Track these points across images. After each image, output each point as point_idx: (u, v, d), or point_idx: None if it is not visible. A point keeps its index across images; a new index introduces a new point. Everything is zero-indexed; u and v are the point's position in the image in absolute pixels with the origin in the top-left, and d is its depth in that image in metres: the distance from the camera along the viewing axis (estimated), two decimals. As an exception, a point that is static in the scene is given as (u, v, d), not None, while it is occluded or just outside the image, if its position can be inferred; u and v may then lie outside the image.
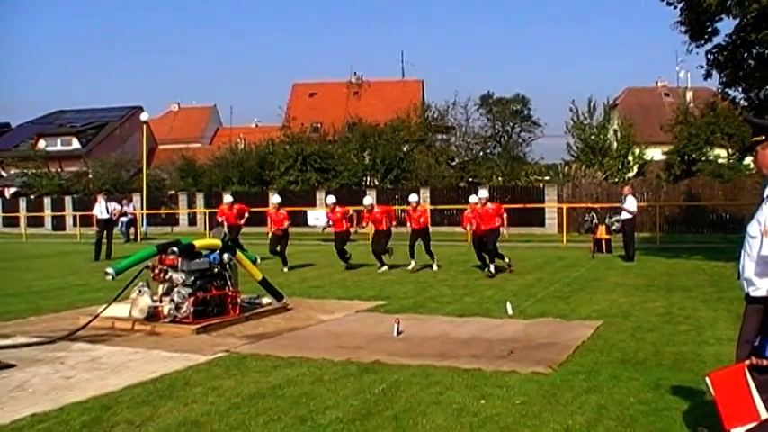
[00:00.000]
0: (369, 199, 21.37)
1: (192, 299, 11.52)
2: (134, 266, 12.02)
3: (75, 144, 65.92)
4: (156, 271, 12.14)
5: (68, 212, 50.26)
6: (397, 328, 10.65)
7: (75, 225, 45.94)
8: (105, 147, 63.42)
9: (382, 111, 53.84)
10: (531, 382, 7.70)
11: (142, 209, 41.26)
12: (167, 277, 11.92)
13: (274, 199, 22.58)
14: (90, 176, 56.62)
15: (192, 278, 11.74)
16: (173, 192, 50.84)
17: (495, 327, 11.16)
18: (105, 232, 26.49)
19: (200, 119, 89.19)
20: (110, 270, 11.74)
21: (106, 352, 9.99)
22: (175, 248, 11.94)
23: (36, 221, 51.48)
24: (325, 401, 7.20)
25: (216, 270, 12.18)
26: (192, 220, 46.99)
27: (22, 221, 49.93)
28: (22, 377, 8.60)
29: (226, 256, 12.38)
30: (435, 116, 51.88)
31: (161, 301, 11.85)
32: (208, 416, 6.84)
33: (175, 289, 11.72)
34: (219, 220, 23.20)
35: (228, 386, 7.90)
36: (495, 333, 10.63)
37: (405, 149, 48.05)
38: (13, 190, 61.56)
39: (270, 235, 22.19)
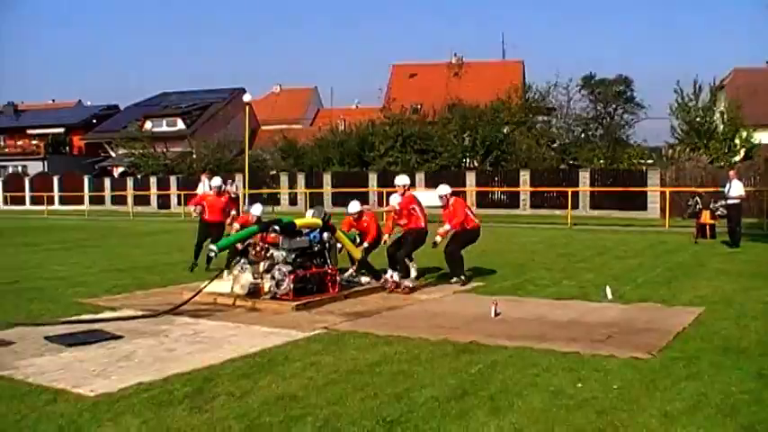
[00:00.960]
0: (356, 205, 14.87)
1: (292, 276, 11.70)
2: (236, 244, 12.27)
3: (180, 125, 67.31)
4: (258, 249, 12.38)
5: (173, 191, 51.48)
6: (495, 310, 10.64)
7: (179, 204, 47.09)
8: (209, 127, 64.64)
9: (482, 92, 53.39)
10: (629, 367, 7.61)
11: (244, 188, 41.88)
12: (268, 255, 12.15)
13: (394, 198, 14.53)
14: (194, 156, 57.79)
15: (293, 256, 11.93)
16: (274, 172, 51.55)
17: (593, 311, 11.05)
18: None
19: (301, 100, 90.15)
20: (213, 247, 12.01)
21: (208, 326, 10.27)
22: (276, 227, 12.15)
23: (142, 200, 52.91)
24: (422, 380, 7.26)
25: (316, 248, 12.35)
26: (293, 200, 47.67)
27: (130, 200, 51.43)
28: (129, 348, 8.92)
29: (326, 234, 12.54)
30: (536, 97, 51.26)
31: (262, 278, 12.08)
32: (306, 390, 6.97)
33: (276, 266, 11.92)
34: (195, 209, 17.49)
35: (327, 362, 8.03)
36: (594, 317, 10.52)
37: (505, 131, 47.63)
38: (121, 169, 63.36)
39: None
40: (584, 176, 39.84)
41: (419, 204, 14.23)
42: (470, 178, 42.39)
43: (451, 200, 14.84)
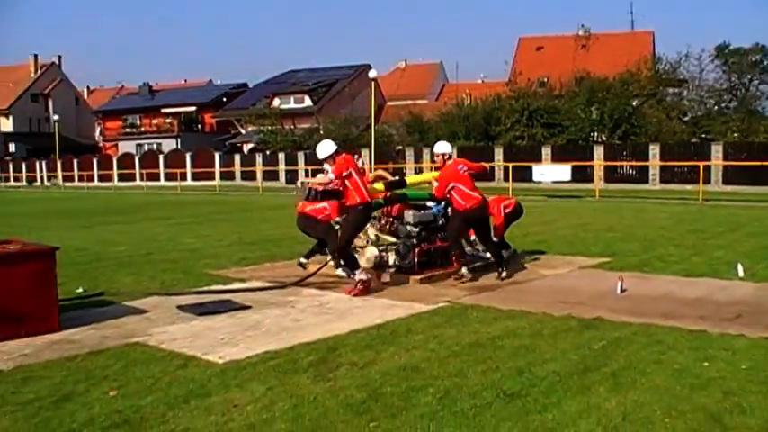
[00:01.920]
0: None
1: (416, 250, 11.76)
2: None
3: (308, 102, 68.32)
4: (383, 222, 12.49)
5: (301, 167, 52.33)
6: (621, 286, 10.46)
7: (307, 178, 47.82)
8: (335, 104, 65.44)
9: (611, 64, 52.26)
10: (759, 348, 7.36)
11: (370, 164, 42.27)
12: (393, 228, 12.23)
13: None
14: (321, 132, 58.59)
15: (417, 230, 11.97)
16: (400, 147, 51.78)
17: (723, 288, 10.72)
18: None
19: (426, 75, 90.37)
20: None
21: (333, 298, 10.47)
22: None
23: (271, 175, 53.99)
24: (544, 354, 7.23)
25: (440, 222, 12.36)
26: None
27: (259, 175, 52.66)
28: (257, 318, 9.20)
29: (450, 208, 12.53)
30: (666, 69, 49.87)
31: (387, 252, 12.19)
32: (428, 362, 7.04)
33: (401, 240, 12.01)
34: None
35: (449, 335, 8.09)
36: (724, 295, 10.22)
37: (634, 104, 46.54)
38: (250, 146, 64.86)
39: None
40: (717, 150, 38.58)
41: (357, 171, 11.22)
42: (598, 152, 41.63)
43: (449, 162, 12.17)
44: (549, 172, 41.67)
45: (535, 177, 41.32)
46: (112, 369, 7.07)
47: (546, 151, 43.35)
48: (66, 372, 7.03)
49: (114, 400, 6.19)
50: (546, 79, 56.73)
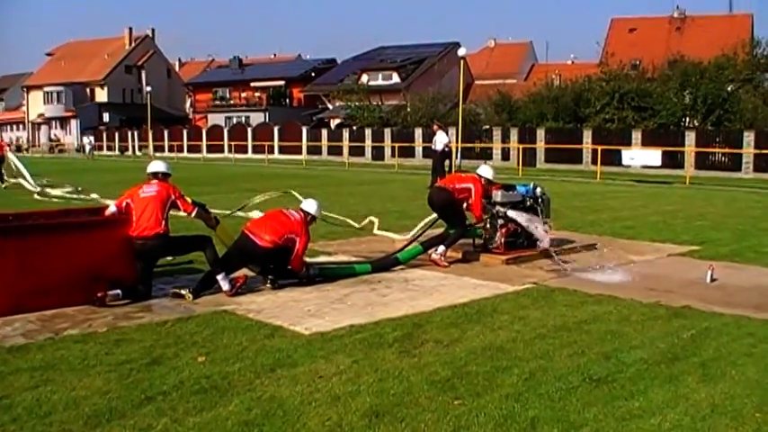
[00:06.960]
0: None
1: (503, 230, 11.69)
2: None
3: (396, 78, 68.31)
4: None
5: (387, 143, 52.44)
6: (711, 275, 10.23)
7: (393, 155, 48.01)
8: (423, 81, 65.20)
9: (706, 47, 50.97)
10: None
11: (457, 142, 42.12)
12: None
13: None
14: (408, 110, 58.59)
15: (505, 210, 11.87)
16: (487, 126, 51.41)
17: (820, 281, 10.42)
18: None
19: (515, 55, 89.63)
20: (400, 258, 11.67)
21: (419, 275, 10.50)
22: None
23: (357, 151, 54.20)
24: (631, 341, 7.15)
25: (528, 203, 12.23)
26: (506, 155, 47.31)
27: (345, 150, 52.91)
28: (343, 292, 9.32)
29: (539, 189, 12.41)
30: (765, 53, 48.38)
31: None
32: (513, 343, 7.04)
33: (488, 219, 11.94)
34: None
35: (534, 317, 8.06)
36: (821, 288, 9.93)
37: (729, 89, 45.26)
38: (337, 121, 65.14)
39: None
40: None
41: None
42: (690, 138, 40.59)
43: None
44: (639, 156, 40.87)
45: (624, 161, 40.60)
46: (201, 335, 7.25)
47: (636, 135, 42.47)
48: (157, 336, 7.22)
49: (203, 365, 6.34)
50: (638, 62, 55.60)
